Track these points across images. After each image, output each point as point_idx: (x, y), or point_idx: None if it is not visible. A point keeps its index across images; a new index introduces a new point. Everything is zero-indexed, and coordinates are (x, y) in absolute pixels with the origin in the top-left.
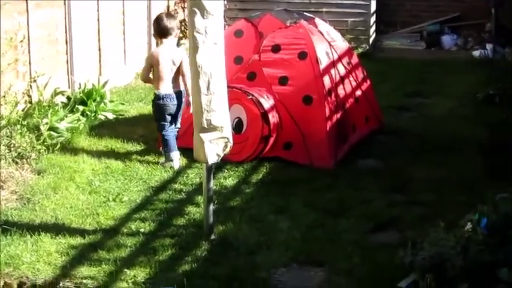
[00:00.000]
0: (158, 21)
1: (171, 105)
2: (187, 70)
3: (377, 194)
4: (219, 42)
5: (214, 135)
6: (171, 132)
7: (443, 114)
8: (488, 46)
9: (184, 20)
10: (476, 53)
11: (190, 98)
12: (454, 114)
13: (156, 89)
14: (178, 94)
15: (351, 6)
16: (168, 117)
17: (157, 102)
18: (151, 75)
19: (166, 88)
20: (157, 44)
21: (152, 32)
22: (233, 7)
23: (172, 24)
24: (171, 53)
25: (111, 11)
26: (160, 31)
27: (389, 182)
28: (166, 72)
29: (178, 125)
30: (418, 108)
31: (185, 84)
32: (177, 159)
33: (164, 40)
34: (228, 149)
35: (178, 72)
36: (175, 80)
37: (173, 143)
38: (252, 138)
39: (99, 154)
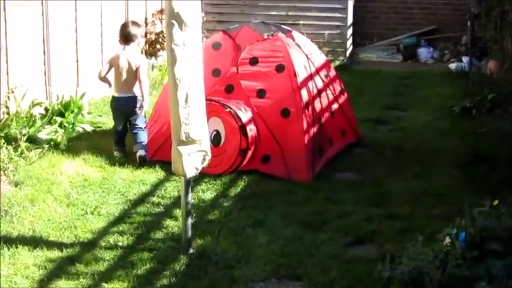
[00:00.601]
0: (123, 27)
1: (121, 106)
2: (143, 76)
3: (355, 207)
4: (197, 55)
5: (192, 148)
6: (120, 133)
7: (420, 126)
8: (465, 59)
9: (162, 31)
10: (452, 66)
11: (144, 103)
12: (431, 127)
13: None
14: (132, 98)
15: (327, 19)
16: (120, 119)
17: (111, 102)
18: (108, 76)
19: (120, 91)
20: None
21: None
22: (211, 19)
23: (135, 31)
24: (130, 58)
25: (89, 22)
26: (124, 37)
27: (367, 195)
28: (123, 76)
29: (141, 125)
30: (395, 121)
31: (141, 90)
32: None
33: (126, 46)
34: (206, 162)
35: (136, 77)
36: (130, 84)
37: (118, 141)
38: (230, 151)
39: (77, 166)
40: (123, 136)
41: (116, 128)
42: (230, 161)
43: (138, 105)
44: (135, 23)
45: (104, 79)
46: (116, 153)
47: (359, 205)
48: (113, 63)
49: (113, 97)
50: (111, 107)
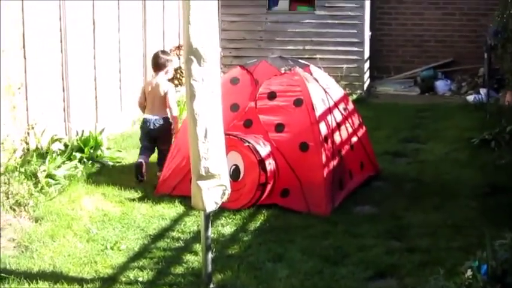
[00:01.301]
0: (154, 56)
1: (148, 128)
2: (171, 102)
3: (375, 241)
4: (216, 90)
5: (212, 183)
6: (144, 147)
7: (438, 159)
8: (482, 91)
9: (179, 67)
10: (470, 98)
11: (173, 128)
12: (450, 159)
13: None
14: (158, 120)
15: (344, 53)
16: (145, 139)
17: (141, 123)
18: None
19: (149, 112)
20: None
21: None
22: (228, 54)
23: (163, 60)
24: (159, 85)
25: (107, 58)
26: (154, 65)
27: (386, 228)
28: (152, 100)
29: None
30: (414, 154)
31: (171, 115)
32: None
33: (156, 73)
34: (226, 197)
35: (165, 103)
36: (159, 109)
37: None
38: (249, 186)
39: (96, 201)
40: (147, 152)
41: (141, 144)
42: (249, 195)
43: (164, 128)
44: (164, 52)
45: (142, 105)
46: (137, 160)
47: (378, 238)
48: (145, 89)
49: (143, 118)
50: (140, 126)
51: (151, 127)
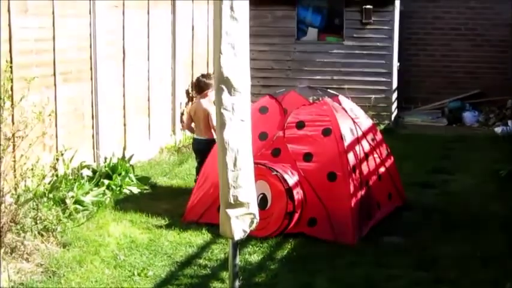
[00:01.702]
0: (196, 80)
1: (195, 146)
2: (213, 123)
3: (402, 271)
4: (246, 119)
5: (240, 211)
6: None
7: (466, 190)
8: (510, 122)
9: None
10: (498, 130)
11: None
12: (478, 191)
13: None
14: (209, 141)
15: (373, 83)
16: (196, 156)
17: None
18: (192, 125)
19: (196, 134)
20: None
21: (182, 107)
22: (256, 83)
23: (202, 84)
24: (201, 106)
25: (136, 88)
26: (196, 88)
27: (414, 259)
28: (197, 122)
29: None
30: (442, 185)
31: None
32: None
33: (199, 96)
34: (254, 225)
35: (208, 123)
36: (204, 129)
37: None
38: (277, 214)
39: (124, 228)
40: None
41: (196, 162)
42: (277, 224)
43: (209, 148)
44: (205, 76)
45: (188, 128)
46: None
47: (406, 269)
48: (191, 112)
49: (193, 138)
50: (192, 144)
51: (197, 146)
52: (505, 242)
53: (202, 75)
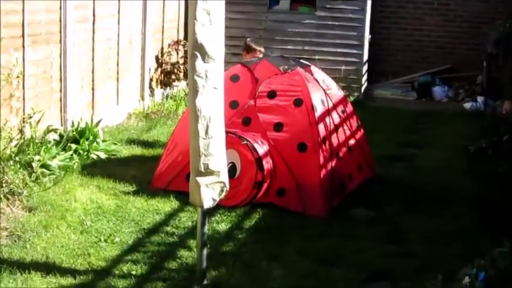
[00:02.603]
0: (246, 42)
1: None
2: None
3: (370, 244)
4: (219, 87)
5: (210, 180)
6: None
7: (436, 165)
8: (480, 99)
9: (177, 62)
10: (467, 105)
11: None
12: (447, 166)
13: None
14: None
15: (344, 55)
16: None
17: None
18: None
19: None
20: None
21: (151, 73)
22: (227, 51)
23: (255, 46)
24: None
25: (105, 52)
26: (246, 49)
27: (382, 231)
28: None
29: None
30: (411, 159)
31: None
32: None
33: (247, 55)
34: (224, 194)
35: None
36: None
37: None
38: (246, 184)
39: (91, 193)
40: None
41: None
42: (245, 193)
43: None
44: (253, 40)
45: None
46: None
47: (374, 241)
48: None
49: None
50: None
51: None
52: (474, 217)
53: (252, 39)
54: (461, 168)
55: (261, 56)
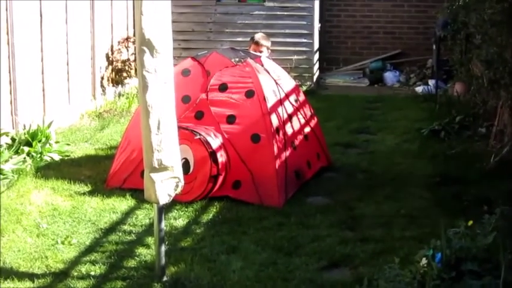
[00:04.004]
0: (255, 38)
1: None
2: None
3: (328, 231)
4: (169, 81)
5: (165, 175)
6: None
7: (389, 149)
8: (431, 82)
9: (128, 59)
10: (419, 89)
11: None
12: (400, 150)
13: None
14: None
15: (294, 45)
16: None
17: None
18: None
19: None
20: None
21: (101, 71)
22: (177, 46)
23: (263, 41)
24: None
25: (54, 51)
26: (256, 45)
27: (339, 218)
28: None
29: None
30: (365, 145)
31: None
32: None
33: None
34: (179, 189)
35: None
36: None
37: None
38: (201, 178)
39: (45, 196)
40: None
41: None
42: (201, 188)
43: None
44: (263, 37)
45: None
46: None
47: (332, 229)
48: None
49: None
50: None
51: None
52: (428, 199)
53: (263, 35)
54: (415, 151)
55: (264, 52)
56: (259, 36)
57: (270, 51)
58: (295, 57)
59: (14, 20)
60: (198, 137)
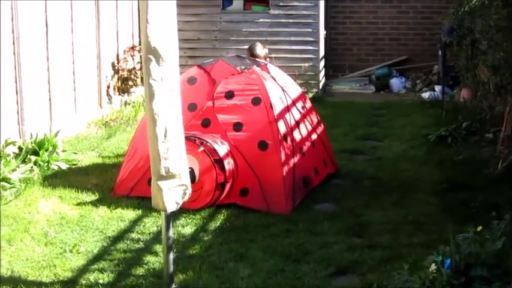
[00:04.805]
0: (251, 48)
1: None
2: None
3: (335, 238)
4: (175, 89)
5: (172, 183)
6: None
7: (396, 156)
8: (437, 88)
9: (134, 68)
10: (425, 95)
11: None
12: (407, 156)
13: None
14: None
15: (300, 52)
16: None
17: None
18: None
19: None
20: None
21: (108, 80)
22: (182, 54)
23: (259, 51)
24: None
25: (60, 60)
26: (250, 55)
27: (347, 225)
28: None
29: None
30: (371, 151)
31: None
32: None
33: None
34: (187, 197)
35: None
36: None
37: None
38: (208, 186)
39: (53, 204)
40: None
41: None
42: (208, 196)
43: None
44: (259, 45)
45: None
46: None
47: (339, 235)
48: None
49: None
50: None
51: None
52: (436, 206)
53: (256, 44)
54: (422, 157)
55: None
56: (253, 46)
57: (268, 59)
58: (301, 64)
59: (20, 30)
60: (201, 149)
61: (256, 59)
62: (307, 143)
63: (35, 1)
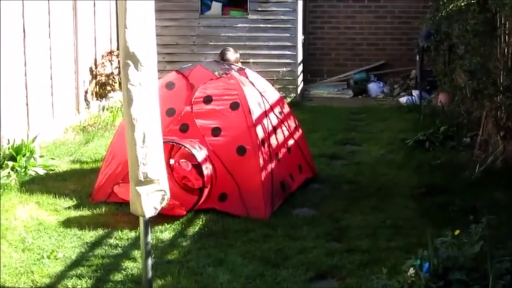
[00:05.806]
0: (222, 53)
1: None
2: None
3: (314, 243)
4: (153, 94)
5: (151, 188)
6: None
7: (374, 160)
8: (414, 92)
9: (112, 73)
10: (403, 100)
11: None
12: (385, 161)
13: None
14: None
15: (278, 57)
16: None
17: None
18: None
19: None
20: None
21: (85, 85)
22: (161, 59)
23: (229, 56)
24: None
25: (38, 65)
26: (222, 60)
27: (325, 229)
28: None
29: None
30: (350, 156)
31: None
32: None
33: None
34: (165, 202)
35: None
36: None
37: None
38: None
39: (31, 210)
40: None
41: None
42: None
43: None
44: (230, 50)
45: None
46: None
47: (318, 240)
48: None
49: None
50: None
51: None
52: (414, 210)
53: (227, 49)
54: (400, 161)
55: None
56: (224, 51)
57: (240, 63)
58: (279, 69)
59: None
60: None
61: (232, 64)
62: (283, 149)
63: (12, 6)
